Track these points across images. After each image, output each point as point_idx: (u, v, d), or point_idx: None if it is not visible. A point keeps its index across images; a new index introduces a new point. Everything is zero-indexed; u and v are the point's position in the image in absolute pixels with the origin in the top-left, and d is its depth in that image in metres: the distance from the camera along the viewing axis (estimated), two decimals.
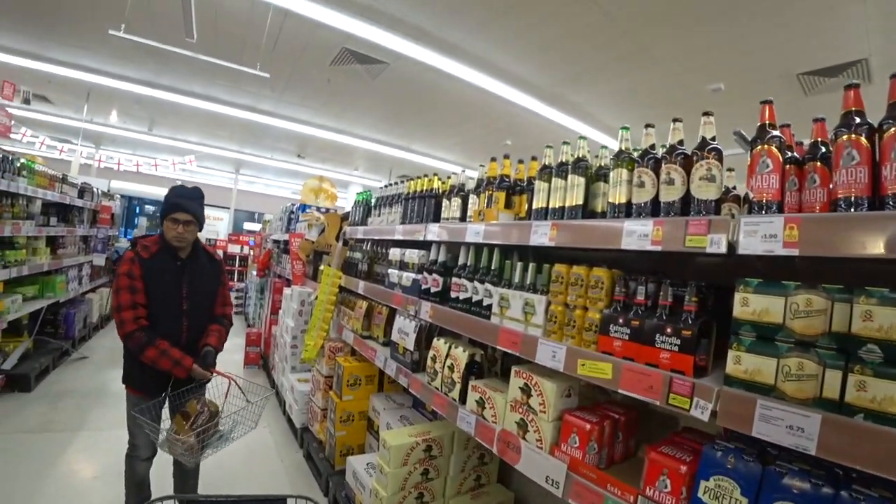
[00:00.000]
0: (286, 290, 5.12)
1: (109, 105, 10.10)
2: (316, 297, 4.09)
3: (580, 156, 1.73)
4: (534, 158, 2.12)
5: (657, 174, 1.48)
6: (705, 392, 1.27)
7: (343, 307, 3.78)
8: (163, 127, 11.61)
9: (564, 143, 1.82)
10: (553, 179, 1.78)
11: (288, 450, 4.11)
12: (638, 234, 1.42)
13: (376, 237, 3.30)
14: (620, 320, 1.47)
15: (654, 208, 1.48)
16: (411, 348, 2.54)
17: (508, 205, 2.08)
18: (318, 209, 5.96)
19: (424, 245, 2.67)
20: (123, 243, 10.24)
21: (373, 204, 3.60)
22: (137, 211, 24.48)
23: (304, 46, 5.89)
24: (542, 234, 1.71)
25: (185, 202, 2.52)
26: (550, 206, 1.78)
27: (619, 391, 1.44)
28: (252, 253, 11.80)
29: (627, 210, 1.54)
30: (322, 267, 4.76)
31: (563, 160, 1.79)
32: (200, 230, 2.66)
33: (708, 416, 1.26)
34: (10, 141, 10.18)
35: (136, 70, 7.66)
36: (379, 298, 3.07)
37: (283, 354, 4.78)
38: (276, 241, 7.64)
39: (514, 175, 2.17)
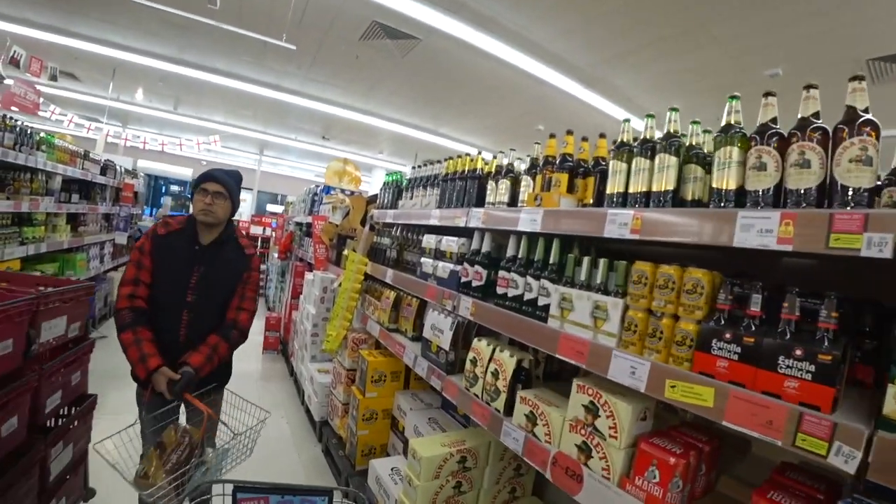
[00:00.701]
0: (308, 276, 4.92)
1: (135, 83, 10.01)
2: (339, 285, 3.86)
3: (671, 131, 1.42)
4: (602, 136, 1.82)
5: (782, 154, 1.17)
6: (852, 437, 0.97)
7: (368, 296, 3.54)
8: (187, 106, 11.52)
9: (649, 116, 1.51)
10: (635, 159, 1.47)
11: (306, 443, 3.93)
12: (758, 230, 1.12)
13: (408, 222, 3.04)
14: (727, 335, 1.18)
15: (776, 197, 1.17)
16: (447, 348, 2.28)
17: (571, 189, 1.78)
18: (343, 191, 5.72)
19: (464, 232, 2.39)
20: (147, 222, 10.22)
21: (404, 186, 3.33)
22: (164, 190, 24.79)
23: (333, 19, 5.61)
24: (620, 225, 1.41)
25: (217, 173, 2.26)
26: (630, 190, 1.48)
27: (724, 423, 1.15)
28: (274, 235, 11.69)
29: (738, 198, 1.24)
30: (346, 252, 4.53)
31: (647, 137, 1.49)
32: (234, 211, 2.35)
33: (855, 468, 0.97)
34: (41, 119, 10.22)
35: (160, 45, 7.50)
36: (409, 289, 2.82)
37: (302, 342, 4.59)
38: (298, 224, 7.46)
39: (576, 154, 1.86)
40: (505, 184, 2.13)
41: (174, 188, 25.37)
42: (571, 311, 1.58)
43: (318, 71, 7.58)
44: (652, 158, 1.43)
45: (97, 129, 11.64)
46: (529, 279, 1.78)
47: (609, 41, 5.45)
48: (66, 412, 2.38)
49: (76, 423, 2.39)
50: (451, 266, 2.36)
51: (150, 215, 19.19)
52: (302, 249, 6.45)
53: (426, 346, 2.50)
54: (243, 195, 18.16)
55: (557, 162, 1.83)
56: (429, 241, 2.70)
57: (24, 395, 1.94)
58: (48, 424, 2.21)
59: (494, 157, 2.44)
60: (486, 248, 2.15)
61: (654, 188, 1.41)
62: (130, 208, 7.96)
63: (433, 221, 2.59)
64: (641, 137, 1.50)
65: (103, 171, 6.72)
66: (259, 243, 13.36)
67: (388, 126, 10.35)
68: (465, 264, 2.22)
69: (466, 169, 2.51)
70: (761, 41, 5.03)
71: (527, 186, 1.97)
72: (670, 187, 1.39)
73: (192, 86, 9.31)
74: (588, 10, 4.82)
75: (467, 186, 2.45)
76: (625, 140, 1.56)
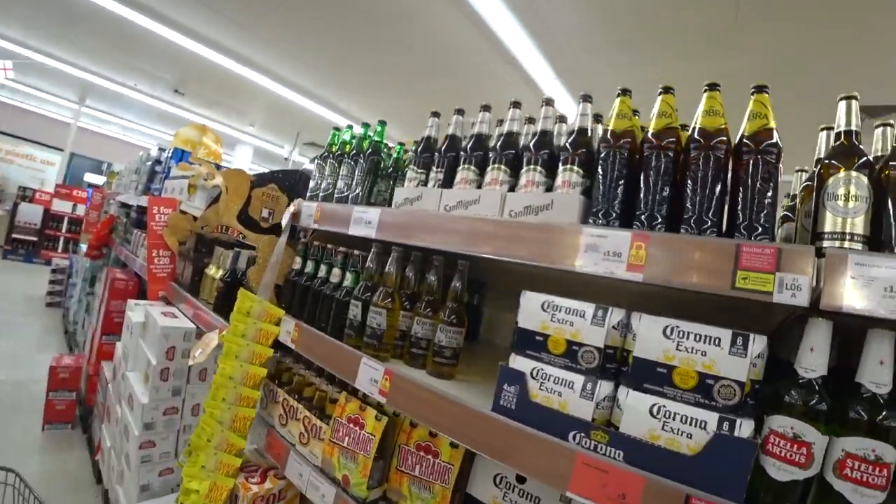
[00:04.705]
0: (131, 310, 2.63)
1: None
2: (214, 356, 1.76)
3: None
4: None
5: None
6: None
7: (281, 392, 1.56)
8: None
9: None
10: None
11: None
12: None
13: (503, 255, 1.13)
14: None
15: None
16: None
17: None
18: (216, 166, 3.49)
19: None
20: None
21: (438, 151, 1.41)
22: None
23: None
24: None
25: None
26: None
27: None
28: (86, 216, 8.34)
29: None
30: (210, 271, 2.39)
31: None
32: None
33: None
34: None
35: None
36: (454, 433, 0.97)
37: (121, 447, 2.31)
38: (125, 206, 4.82)
39: None
40: None
41: None
42: None
43: None
44: None
45: None
46: None
47: (611, 26, 4.15)
48: None
49: None
50: None
51: None
52: (128, 248, 3.94)
53: None
54: (51, 157, 13.43)
55: None
56: (584, 322, 0.89)
57: None
58: None
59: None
60: None
61: None
62: None
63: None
64: None
65: None
66: (66, 225, 9.65)
67: (270, 86, 7.78)
68: None
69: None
70: (775, 60, 4.24)
71: None
72: None
73: None
74: None
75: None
76: None
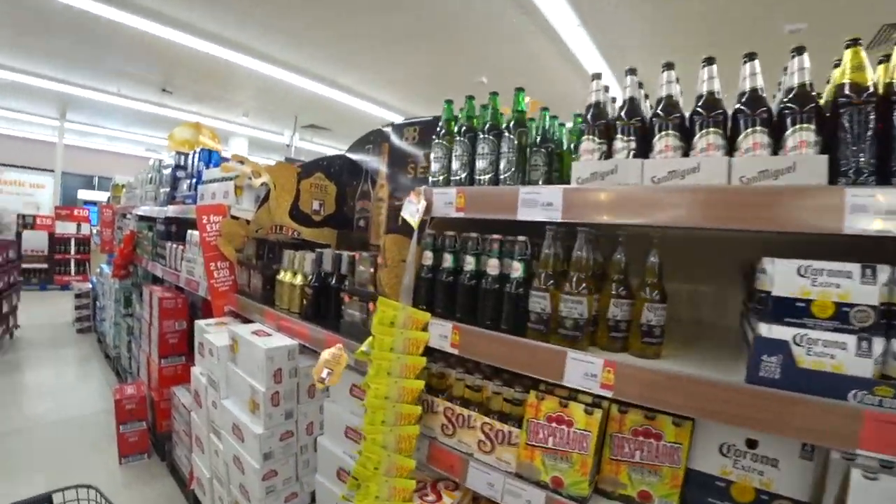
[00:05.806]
0: (208, 333, 2.42)
1: None
2: (328, 374, 1.57)
3: None
4: None
5: None
6: None
7: (440, 402, 1.39)
8: None
9: None
10: None
11: None
12: None
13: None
14: None
15: None
16: None
17: None
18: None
19: None
20: None
21: (659, 111, 1.11)
22: None
23: None
24: None
25: None
26: None
27: None
28: (99, 235, 8.05)
29: None
30: (284, 276, 2.18)
31: None
32: None
33: None
34: None
35: None
36: None
37: (227, 477, 2.16)
38: (145, 219, 4.57)
39: None
40: None
41: None
42: None
43: None
44: None
45: None
46: None
47: None
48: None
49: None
50: None
51: None
52: (163, 264, 3.72)
53: None
54: (41, 180, 12.96)
55: None
56: None
57: None
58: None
59: None
60: None
61: None
62: None
63: None
64: None
65: None
66: (74, 247, 9.37)
67: (263, 69, 7.30)
68: None
69: None
70: None
71: None
72: None
73: None
74: None
75: None
76: None
